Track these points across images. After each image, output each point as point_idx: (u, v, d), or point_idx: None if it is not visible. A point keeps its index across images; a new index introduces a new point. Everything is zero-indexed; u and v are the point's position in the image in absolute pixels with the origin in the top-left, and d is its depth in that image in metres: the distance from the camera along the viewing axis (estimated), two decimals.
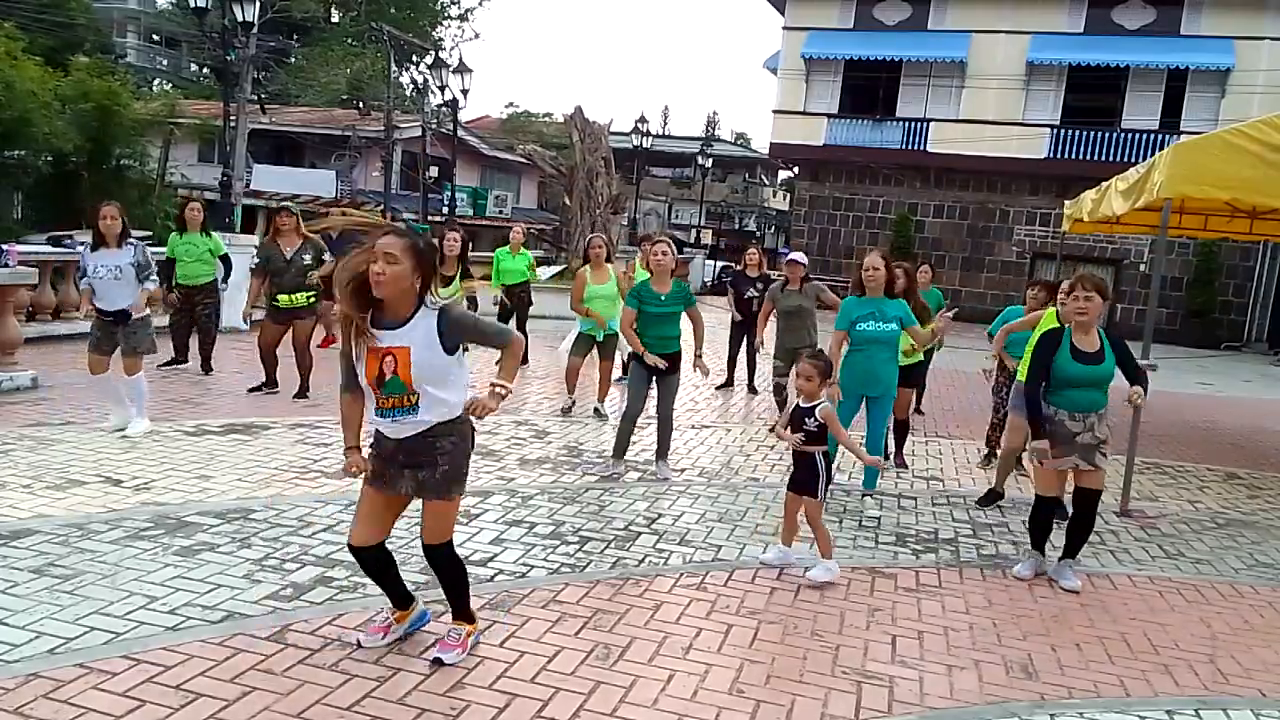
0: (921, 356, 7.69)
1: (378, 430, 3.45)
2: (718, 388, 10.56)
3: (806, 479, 4.82)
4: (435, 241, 8.95)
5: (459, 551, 4.75)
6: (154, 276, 6.75)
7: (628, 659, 3.75)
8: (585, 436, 7.67)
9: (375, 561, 3.59)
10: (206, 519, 4.95)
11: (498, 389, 3.49)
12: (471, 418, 3.50)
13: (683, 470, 6.87)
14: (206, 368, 9.17)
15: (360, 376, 3.34)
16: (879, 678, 3.78)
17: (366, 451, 3.53)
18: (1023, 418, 6.32)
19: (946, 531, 5.86)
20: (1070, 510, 5.19)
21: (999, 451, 7.28)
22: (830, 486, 5.04)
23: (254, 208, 27.36)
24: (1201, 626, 4.63)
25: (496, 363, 3.57)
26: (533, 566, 4.68)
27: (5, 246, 8.53)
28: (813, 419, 4.78)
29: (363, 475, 3.50)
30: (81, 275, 6.68)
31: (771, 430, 5.16)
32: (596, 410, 8.58)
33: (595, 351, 8.63)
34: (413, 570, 4.44)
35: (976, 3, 24.73)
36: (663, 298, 6.37)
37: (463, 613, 3.68)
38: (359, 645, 3.60)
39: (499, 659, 3.64)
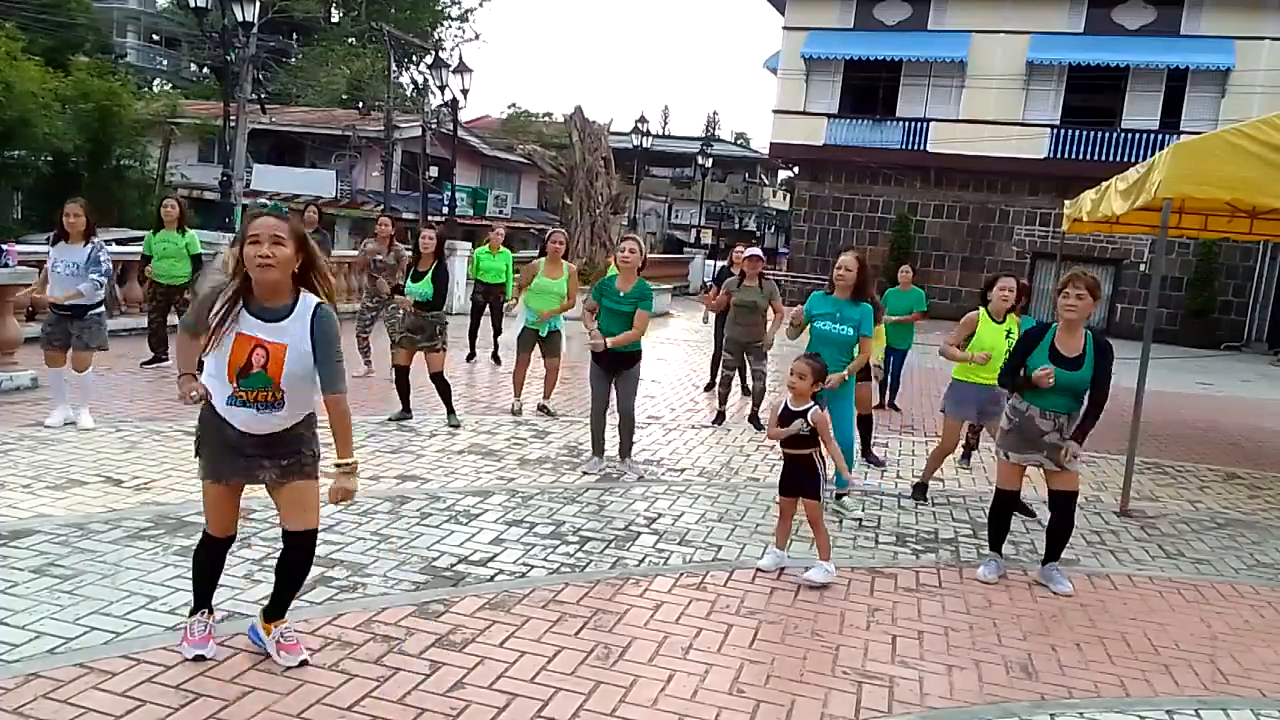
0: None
1: (221, 421, 3.19)
2: (705, 389, 10.52)
3: (807, 482, 4.77)
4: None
5: (460, 551, 4.79)
6: (99, 276, 6.58)
7: (628, 659, 3.75)
8: (585, 436, 7.66)
9: (221, 555, 3.47)
10: None
11: (345, 468, 3.23)
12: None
13: (683, 470, 6.87)
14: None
15: (219, 361, 3.13)
16: (879, 678, 3.78)
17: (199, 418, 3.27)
18: (954, 419, 6.37)
19: (946, 531, 5.86)
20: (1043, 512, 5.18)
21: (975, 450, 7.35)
22: (828, 487, 5.00)
23: None
24: (1201, 626, 4.63)
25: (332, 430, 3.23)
26: (533, 566, 4.68)
27: (5, 246, 8.51)
28: (804, 422, 4.71)
29: (194, 402, 3.26)
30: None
31: (771, 433, 5.08)
32: (541, 407, 8.46)
33: (540, 349, 8.45)
34: (411, 570, 4.45)
35: (976, 3, 24.72)
36: (621, 295, 6.36)
37: (281, 610, 3.48)
38: (200, 659, 3.38)
39: (499, 659, 3.64)
